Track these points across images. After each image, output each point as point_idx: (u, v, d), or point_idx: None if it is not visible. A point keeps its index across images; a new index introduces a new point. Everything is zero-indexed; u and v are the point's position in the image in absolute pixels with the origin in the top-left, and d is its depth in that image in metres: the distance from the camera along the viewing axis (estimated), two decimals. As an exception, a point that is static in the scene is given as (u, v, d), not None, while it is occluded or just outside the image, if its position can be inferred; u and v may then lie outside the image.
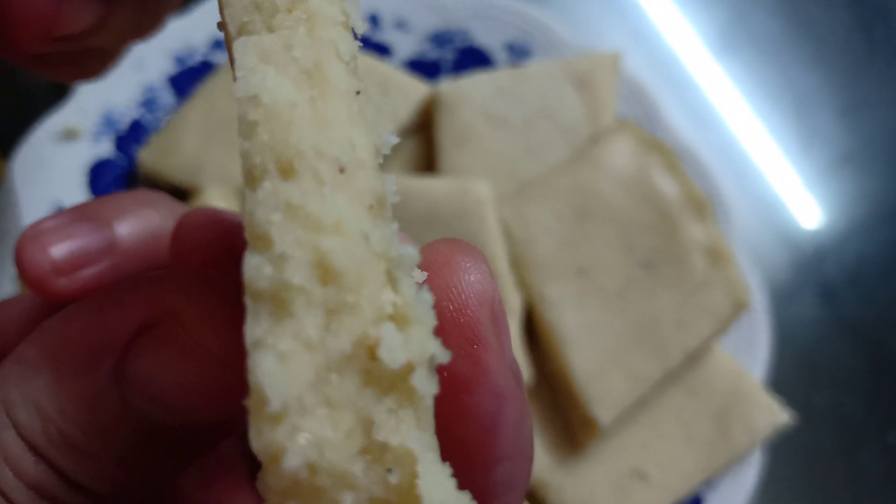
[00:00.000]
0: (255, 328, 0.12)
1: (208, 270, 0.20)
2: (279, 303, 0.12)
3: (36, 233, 0.19)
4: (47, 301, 0.20)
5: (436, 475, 0.12)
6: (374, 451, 0.12)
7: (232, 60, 0.14)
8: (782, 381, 0.53)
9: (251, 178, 0.12)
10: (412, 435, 0.12)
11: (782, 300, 0.58)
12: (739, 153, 0.63)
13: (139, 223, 0.21)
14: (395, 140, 0.14)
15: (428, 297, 0.13)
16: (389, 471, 0.12)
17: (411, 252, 0.13)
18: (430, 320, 0.13)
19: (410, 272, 0.13)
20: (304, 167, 0.12)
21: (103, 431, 0.16)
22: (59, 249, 0.19)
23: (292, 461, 0.11)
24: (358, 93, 0.14)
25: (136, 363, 0.16)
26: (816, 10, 0.69)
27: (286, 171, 0.12)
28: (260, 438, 0.11)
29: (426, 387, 0.13)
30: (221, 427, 0.18)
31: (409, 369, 0.12)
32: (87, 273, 0.20)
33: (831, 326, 0.60)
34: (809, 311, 0.59)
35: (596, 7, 0.66)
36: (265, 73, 0.13)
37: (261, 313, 0.12)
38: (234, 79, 0.13)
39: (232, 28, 0.14)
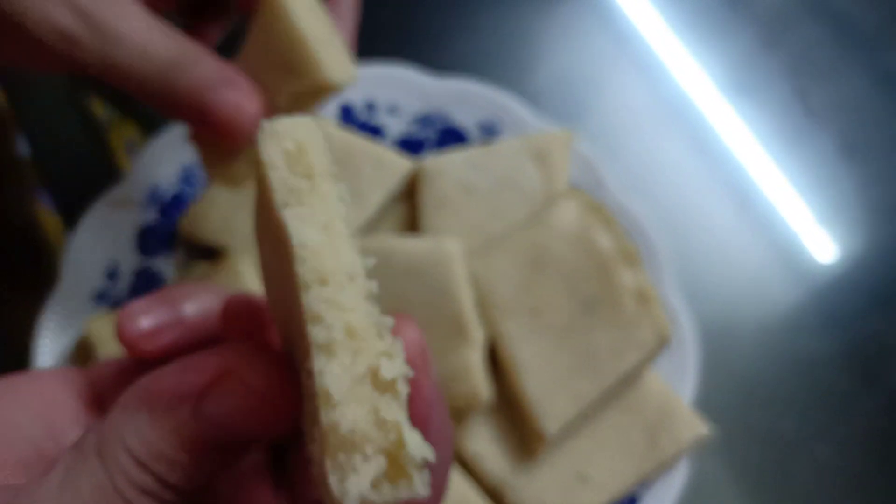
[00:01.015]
0: (319, 362, 0.20)
1: (251, 339, 0.29)
2: (329, 350, 0.21)
3: (130, 312, 0.28)
4: (136, 357, 0.29)
5: (412, 434, 0.20)
6: (380, 422, 0.20)
7: (279, 221, 0.22)
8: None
9: (304, 286, 0.21)
10: (399, 414, 0.20)
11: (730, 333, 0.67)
12: (749, 188, 0.73)
13: (199, 304, 0.30)
14: (372, 261, 0.23)
15: (399, 343, 0.21)
16: (388, 433, 0.20)
17: (389, 320, 0.22)
18: (402, 355, 0.22)
19: (389, 330, 0.22)
20: (332, 279, 0.21)
21: (186, 448, 0.23)
22: (146, 322, 0.28)
23: (345, 428, 0.20)
24: (352, 236, 0.22)
25: (207, 405, 0.23)
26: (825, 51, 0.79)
27: (322, 282, 0.21)
28: (328, 417, 0.20)
29: (403, 389, 0.21)
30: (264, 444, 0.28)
31: (395, 381, 0.21)
32: (164, 338, 0.28)
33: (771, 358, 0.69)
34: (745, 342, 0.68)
35: (603, 45, 0.77)
36: (304, 230, 0.21)
37: (321, 355, 0.20)
38: (290, 236, 0.21)
39: (279, 204, 0.22)
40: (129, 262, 0.58)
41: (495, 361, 0.55)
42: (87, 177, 0.67)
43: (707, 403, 0.59)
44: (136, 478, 0.23)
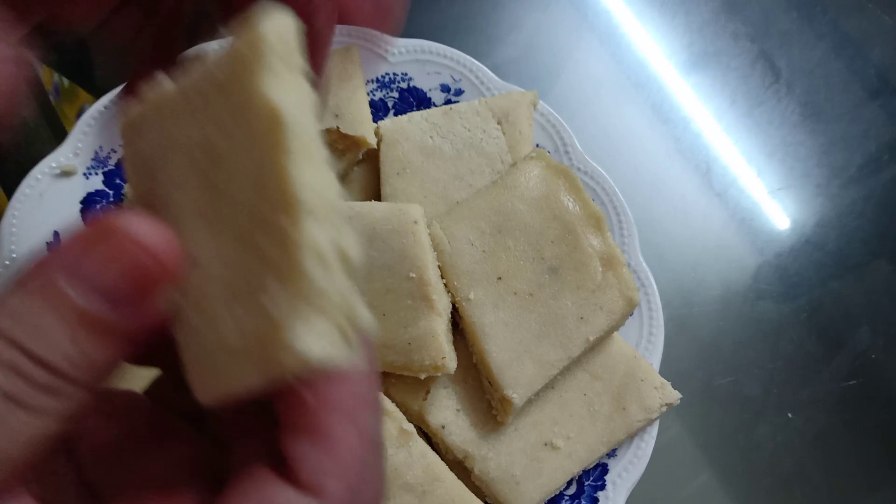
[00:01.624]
0: (308, 226, 0.20)
1: None
2: (315, 216, 0.21)
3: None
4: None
5: (364, 310, 0.22)
6: (344, 296, 0.21)
7: (261, 96, 0.21)
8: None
9: (289, 152, 0.21)
10: (356, 294, 0.22)
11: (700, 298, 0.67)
12: (711, 156, 0.72)
13: None
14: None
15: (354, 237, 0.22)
16: (346, 305, 0.21)
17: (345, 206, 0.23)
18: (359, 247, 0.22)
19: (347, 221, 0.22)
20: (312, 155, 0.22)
21: (63, 319, 0.21)
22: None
23: (321, 289, 0.21)
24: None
25: (85, 265, 0.21)
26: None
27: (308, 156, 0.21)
28: (309, 272, 0.20)
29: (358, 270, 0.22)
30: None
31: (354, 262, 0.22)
32: None
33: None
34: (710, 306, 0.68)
35: (567, 15, 0.75)
36: (289, 107, 0.21)
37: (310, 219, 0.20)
38: (280, 112, 0.21)
39: (266, 85, 0.21)
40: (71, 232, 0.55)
41: (459, 329, 0.53)
42: (34, 148, 0.63)
43: (670, 368, 0.58)
44: (3, 355, 0.20)
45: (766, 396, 0.66)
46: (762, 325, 0.68)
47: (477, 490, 0.51)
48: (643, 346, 0.56)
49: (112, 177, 0.56)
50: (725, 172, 0.73)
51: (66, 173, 0.54)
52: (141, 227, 0.21)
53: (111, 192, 0.56)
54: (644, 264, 0.58)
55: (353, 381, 0.24)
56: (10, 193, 0.58)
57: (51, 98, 0.67)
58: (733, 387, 0.65)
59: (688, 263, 0.69)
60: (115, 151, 0.56)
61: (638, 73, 0.74)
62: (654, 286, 0.57)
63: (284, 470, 0.22)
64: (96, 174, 0.56)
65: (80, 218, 0.55)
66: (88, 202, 0.55)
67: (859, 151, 0.77)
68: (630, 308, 0.52)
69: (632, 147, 0.72)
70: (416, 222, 0.52)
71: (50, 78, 0.66)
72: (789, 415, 0.65)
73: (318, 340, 0.20)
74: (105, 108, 0.56)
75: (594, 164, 0.59)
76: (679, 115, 0.74)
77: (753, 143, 0.74)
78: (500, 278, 0.52)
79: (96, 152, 0.55)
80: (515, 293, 0.51)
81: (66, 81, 0.66)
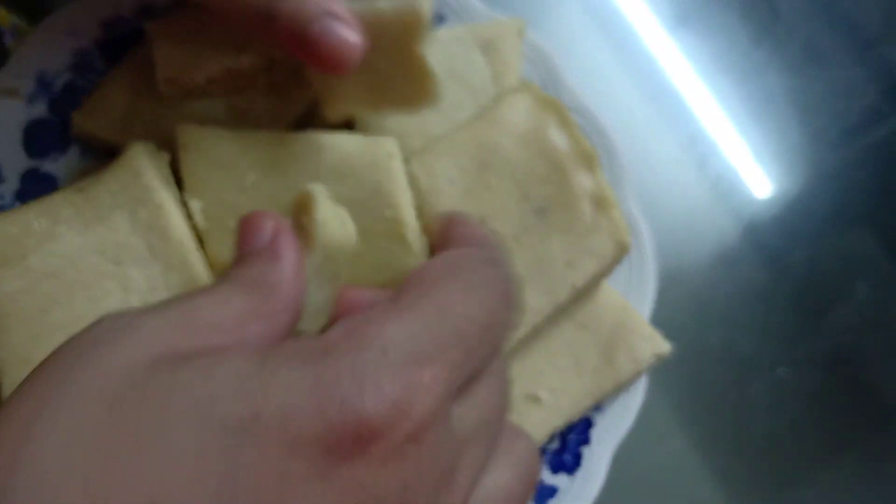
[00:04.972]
0: None
1: None
2: None
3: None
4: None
5: None
6: None
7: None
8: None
9: None
10: None
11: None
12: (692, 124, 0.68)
13: None
14: None
15: None
16: None
17: None
18: None
19: None
20: None
21: None
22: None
23: None
24: None
25: None
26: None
27: None
28: None
29: None
30: None
31: None
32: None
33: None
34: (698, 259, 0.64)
35: None
36: None
37: None
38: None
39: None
40: (13, 163, 0.50)
41: (437, 273, 0.49)
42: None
43: (660, 321, 0.55)
44: None
45: (759, 352, 0.63)
46: (757, 279, 0.65)
47: (453, 445, 0.48)
48: (633, 294, 0.52)
49: (59, 105, 0.51)
50: (722, 118, 0.69)
51: (6, 92, 0.49)
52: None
53: (58, 122, 0.51)
54: (634, 209, 0.54)
55: None
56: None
57: (6, 39, 0.61)
58: (726, 342, 0.62)
59: (681, 212, 0.66)
60: (61, 73, 0.51)
61: (633, 11, 0.70)
62: (645, 232, 0.54)
63: None
64: (41, 99, 0.51)
65: (23, 148, 0.50)
66: (32, 131, 0.50)
67: (862, 99, 0.73)
68: (621, 253, 0.48)
69: (625, 87, 0.68)
70: (391, 156, 0.47)
71: (6, 17, 0.60)
72: (782, 370, 0.62)
73: None
74: (50, 22, 0.51)
75: (582, 100, 0.55)
76: (676, 55, 0.69)
77: (752, 88, 0.71)
78: (482, 220, 0.48)
79: (39, 74, 0.50)
80: (498, 236, 0.48)
81: (24, 23, 0.61)
